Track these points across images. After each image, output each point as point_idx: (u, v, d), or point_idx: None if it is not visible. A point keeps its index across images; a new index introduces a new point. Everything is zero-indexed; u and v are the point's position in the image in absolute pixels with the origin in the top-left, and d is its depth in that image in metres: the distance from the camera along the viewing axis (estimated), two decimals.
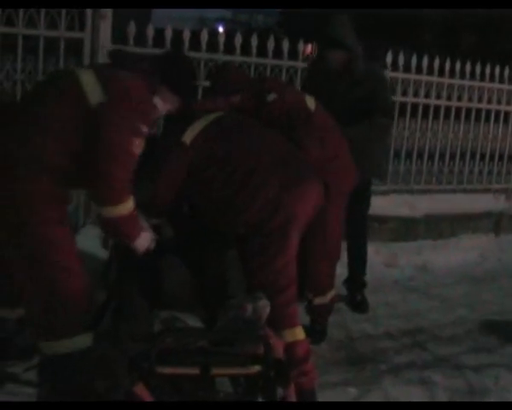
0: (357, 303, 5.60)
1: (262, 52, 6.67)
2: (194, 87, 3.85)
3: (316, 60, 5.56)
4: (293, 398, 3.06)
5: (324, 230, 4.33)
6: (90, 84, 3.30)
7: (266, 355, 2.94)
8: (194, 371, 2.88)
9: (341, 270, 5.36)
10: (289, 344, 3.59)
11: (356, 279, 5.68)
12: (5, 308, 3.79)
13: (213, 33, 6.58)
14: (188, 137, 3.81)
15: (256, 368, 2.95)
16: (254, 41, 6.60)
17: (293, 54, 6.87)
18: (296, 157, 3.92)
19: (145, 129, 3.36)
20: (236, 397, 3.01)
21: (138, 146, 3.34)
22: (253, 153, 3.77)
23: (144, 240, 3.52)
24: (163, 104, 3.63)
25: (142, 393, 2.78)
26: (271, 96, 4.33)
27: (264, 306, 3.32)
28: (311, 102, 4.43)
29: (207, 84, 5.59)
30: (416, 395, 4.17)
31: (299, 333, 3.72)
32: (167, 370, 2.87)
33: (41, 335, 3.41)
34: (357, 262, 5.66)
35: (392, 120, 5.71)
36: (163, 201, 3.86)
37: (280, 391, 3.00)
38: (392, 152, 7.82)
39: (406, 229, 7.38)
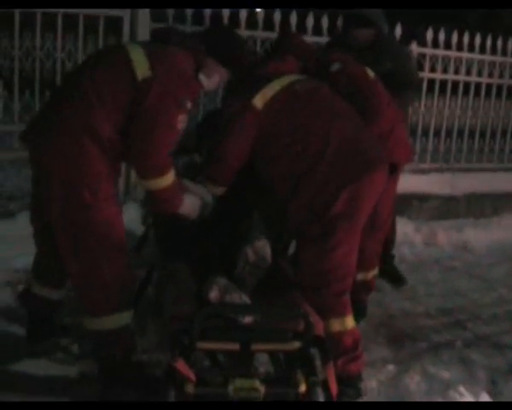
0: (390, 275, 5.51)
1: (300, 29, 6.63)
2: (241, 58, 3.78)
3: (339, 35, 5.49)
4: (332, 376, 3.07)
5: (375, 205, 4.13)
6: (138, 58, 3.35)
7: (306, 332, 2.94)
8: (235, 346, 2.90)
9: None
10: (337, 333, 3.57)
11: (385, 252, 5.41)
12: (47, 287, 3.86)
13: (252, 12, 6.55)
14: (259, 101, 3.63)
15: (296, 344, 2.95)
16: (293, 18, 6.58)
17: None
18: (366, 138, 3.73)
19: (189, 104, 3.40)
20: (276, 373, 3.02)
21: (181, 121, 3.37)
22: (323, 132, 3.57)
23: (188, 207, 3.58)
24: (209, 79, 3.64)
25: (184, 369, 2.80)
26: (335, 66, 4.20)
27: (263, 245, 3.32)
28: (371, 74, 4.37)
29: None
30: (455, 373, 4.15)
31: (349, 322, 3.64)
32: (208, 345, 2.89)
33: (85, 311, 3.50)
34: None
35: (419, 98, 5.46)
36: (231, 170, 3.70)
37: (320, 368, 3.01)
38: (431, 131, 7.76)
39: (447, 207, 7.33)
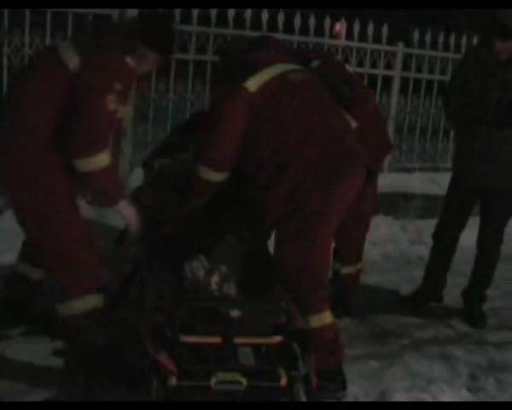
0: (474, 317, 5.14)
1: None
2: (173, 43, 3.86)
3: (475, 48, 5.42)
4: (313, 369, 3.11)
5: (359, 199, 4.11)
6: (67, 52, 3.47)
7: (288, 326, 2.98)
8: (217, 339, 2.94)
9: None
10: (317, 329, 3.59)
11: (476, 291, 5.26)
12: (26, 264, 3.94)
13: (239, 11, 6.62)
14: (252, 85, 3.63)
15: (278, 338, 3.00)
16: (281, 18, 6.65)
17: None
18: (347, 135, 3.75)
19: (119, 86, 3.47)
20: (258, 367, 3.06)
21: (111, 101, 3.43)
22: (306, 127, 3.59)
23: (130, 210, 3.64)
24: (139, 64, 3.66)
25: (166, 361, 2.84)
26: (315, 63, 4.26)
27: (198, 267, 3.36)
28: (350, 68, 4.36)
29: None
30: (438, 369, 4.21)
31: (327, 317, 3.67)
32: (191, 339, 2.93)
33: (57, 298, 3.61)
34: (483, 273, 5.22)
35: None
36: (228, 152, 3.66)
37: (301, 362, 3.06)
38: (418, 130, 7.84)
39: (433, 206, 7.38)
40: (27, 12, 5.75)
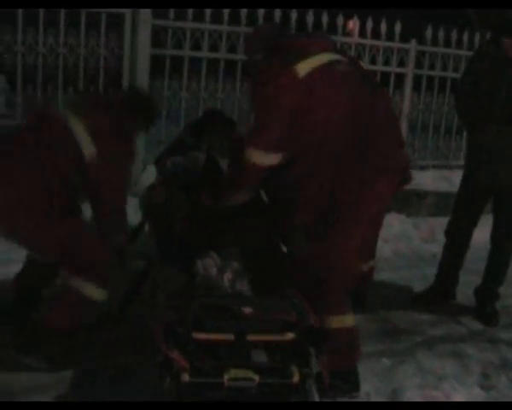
0: (487, 315, 5.13)
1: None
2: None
3: (485, 45, 5.40)
4: (325, 368, 3.11)
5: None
6: (82, 136, 3.65)
7: (300, 323, 3.00)
8: (230, 337, 2.95)
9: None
10: (337, 330, 3.58)
11: (489, 289, 5.23)
12: None
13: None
14: (302, 69, 3.49)
15: (290, 335, 3.01)
16: (293, 15, 6.64)
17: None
18: (386, 141, 3.64)
19: (131, 167, 3.89)
20: (270, 364, 3.07)
21: (128, 181, 3.92)
22: (343, 127, 3.51)
23: None
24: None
25: (179, 358, 2.85)
26: None
27: (210, 264, 3.38)
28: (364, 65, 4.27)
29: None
30: (450, 367, 4.21)
31: (348, 319, 3.66)
32: (203, 336, 2.94)
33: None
34: (496, 270, 5.20)
35: None
36: (277, 134, 3.49)
37: (313, 360, 3.07)
38: (431, 127, 7.83)
39: (445, 204, 7.36)
40: (41, 11, 5.79)
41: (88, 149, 3.61)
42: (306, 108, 3.48)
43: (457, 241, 5.20)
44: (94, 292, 3.65)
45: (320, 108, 3.49)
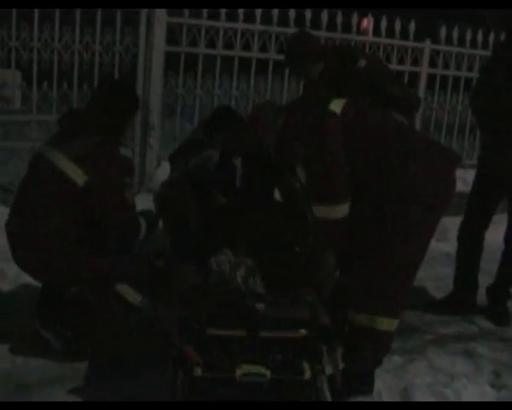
0: (499, 315, 5.11)
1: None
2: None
3: (502, 45, 5.42)
4: (337, 365, 3.13)
5: None
6: (72, 171, 3.66)
7: (313, 320, 3.02)
8: (242, 333, 2.98)
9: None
10: (382, 332, 3.57)
11: (501, 289, 5.22)
12: None
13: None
14: (336, 106, 3.46)
15: (302, 332, 3.03)
16: (308, 14, 6.66)
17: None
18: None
19: (128, 179, 3.84)
20: (282, 360, 3.09)
21: (130, 194, 3.86)
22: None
23: None
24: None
25: (192, 353, 2.89)
26: (362, 62, 4.19)
27: (224, 261, 3.41)
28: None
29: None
30: (461, 365, 4.21)
31: (394, 325, 3.64)
32: (217, 331, 2.97)
33: None
34: (508, 270, 5.18)
35: None
36: (341, 179, 3.42)
37: (325, 357, 3.09)
38: (444, 127, 7.82)
39: (459, 204, 7.34)
40: (78, 10, 5.88)
41: (79, 179, 3.63)
42: (352, 134, 3.47)
43: (470, 244, 5.17)
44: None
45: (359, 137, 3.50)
